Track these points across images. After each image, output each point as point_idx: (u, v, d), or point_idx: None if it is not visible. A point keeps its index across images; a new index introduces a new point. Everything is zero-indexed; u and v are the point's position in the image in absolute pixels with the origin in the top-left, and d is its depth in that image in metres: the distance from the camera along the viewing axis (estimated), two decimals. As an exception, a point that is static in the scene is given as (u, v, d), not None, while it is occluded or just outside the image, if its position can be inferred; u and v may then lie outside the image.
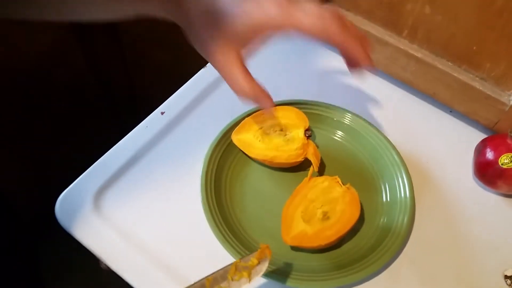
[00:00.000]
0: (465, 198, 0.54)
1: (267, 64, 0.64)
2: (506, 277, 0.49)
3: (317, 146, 0.54)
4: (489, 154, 0.52)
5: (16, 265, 0.83)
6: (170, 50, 0.80)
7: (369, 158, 0.55)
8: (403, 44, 0.57)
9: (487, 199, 0.54)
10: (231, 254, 0.46)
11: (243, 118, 0.55)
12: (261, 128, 0.54)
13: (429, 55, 0.56)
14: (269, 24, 0.39)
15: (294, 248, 0.49)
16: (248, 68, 0.42)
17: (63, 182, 0.54)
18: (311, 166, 0.51)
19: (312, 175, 0.51)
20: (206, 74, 0.62)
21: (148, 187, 0.53)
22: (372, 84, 0.63)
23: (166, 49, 0.81)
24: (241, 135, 0.54)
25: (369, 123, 0.56)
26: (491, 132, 0.57)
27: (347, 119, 0.57)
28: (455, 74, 0.54)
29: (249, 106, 0.57)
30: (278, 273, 0.46)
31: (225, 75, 0.42)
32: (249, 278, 0.42)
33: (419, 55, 0.56)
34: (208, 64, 0.63)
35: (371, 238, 0.50)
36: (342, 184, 0.50)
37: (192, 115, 0.59)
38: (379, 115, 0.58)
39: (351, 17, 0.59)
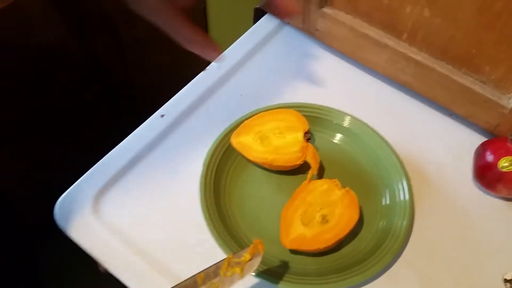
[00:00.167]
0: (465, 201, 0.54)
1: (266, 67, 0.64)
2: (506, 280, 0.49)
3: (317, 149, 0.54)
4: (489, 158, 0.51)
5: (16, 265, 0.83)
6: (170, 51, 0.80)
7: (368, 161, 0.55)
8: (402, 47, 0.56)
9: (487, 202, 0.54)
10: (230, 257, 0.46)
11: (243, 121, 0.55)
12: (260, 131, 0.54)
13: (429, 58, 0.56)
14: None
15: (293, 252, 0.49)
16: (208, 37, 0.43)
17: (63, 182, 0.54)
18: (310, 169, 0.51)
19: (311, 178, 0.51)
20: (205, 77, 0.62)
21: (147, 190, 0.53)
22: (371, 87, 0.63)
23: (166, 50, 0.81)
24: (241, 138, 0.54)
25: (369, 126, 0.56)
26: (491, 135, 0.57)
27: (347, 122, 0.57)
28: (455, 77, 0.54)
29: (248, 109, 0.57)
30: (276, 276, 0.46)
31: (169, 31, 0.42)
32: (242, 273, 0.42)
33: (418, 58, 0.56)
34: (208, 67, 0.63)
35: (370, 242, 0.50)
36: (341, 187, 0.50)
37: (192, 118, 0.59)
38: (378, 118, 0.58)
39: (350, 19, 0.59)
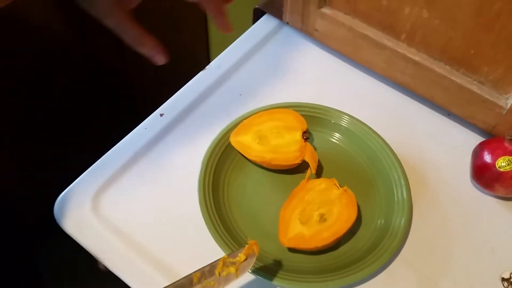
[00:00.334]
0: (463, 200, 0.54)
1: (265, 67, 0.64)
2: (503, 279, 0.49)
3: (315, 149, 0.55)
4: (487, 157, 0.52)
5: (16, 265, 0.83)
6: (170, 51, 0.81)
7: (366, 160, 0.55)
8: (401, 47, 0.57)
9: (485, 202, 0.54)
10: (228, 256, 0.47)
11: (241, 120, 0.55)
12: (259, 130, 0.54)
13: (427, 59, 0.56)
14: None
15: (291, 250, 0.49)
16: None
17: (63, 182, 0.54)
18: (309, 168, 0.52)
19: (310, 177, 0.51)
20: (204, 77, 0.62)
21: (146, 188, 0.53)
22: (370, 87, 0.63)
23: (167, 51, 0.81)
24: (239, 137, 0.54)
25: (367, 126, 0.56)
26: (489, 136, 0.57)
27: (345, 122, 0.57)
28: (453, 78, 0.55)
29: (247, 109, 0.57)
30: (275, 274, 0.46)
31: (119, 32, 0.45)
32: (237, 273, 0.42)
33: (417, 58, 0.56)
34: (208, 66, 0.63)
35: (368, 240, 0.50)
36: (339, 186, 0.50)
37: (191, 117, 0.59)
38: (377, 117, 0.58)
39: (349, 20, 0.59)
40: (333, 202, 0.49)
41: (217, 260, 0.42)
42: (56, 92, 0.78)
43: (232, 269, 0.42)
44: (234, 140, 0.54)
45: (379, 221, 0.51)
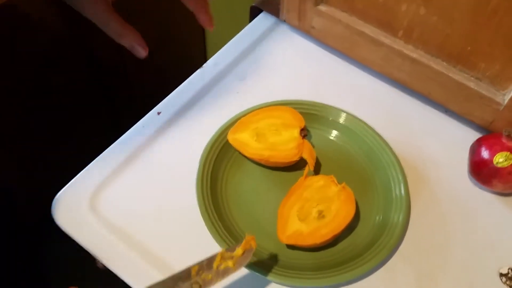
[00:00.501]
0: (460, 196, 0.54)
1: (263, 65, 0.64)
2: (501, 275, 0.49)
3: (313, 146, 0.55)
4: (484, 153, 0.52)
5: (16, 265, 0.84)
6: (169, 50, 0.81)
7: (364, 157, 0.55)
8: (398, 44, 0.57)
9: (482, 197, 0.54)
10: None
11: (239, 118, 0.55)
12: (256, 127, 0.54)
13: (424, 56, 0.56)
14: None
15: (290, 247, 0.49)
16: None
17: (63, 182, 0.54)
18: (307, 166, 0.52)
19: (308, 174, 0.51)
20: (202, 75, 0.63)
21: (144, 187, 0.53)
22: (367, 84, 0.63)
23: (165, 50, 0.82)
24: (237, 135, 0.54)
25: (365, 123, 0.56)
26: (486, 132, 0.57)
27: (343, 119, 0.57)
28: (450, 74, 0.55)
29: (244, 107, 0.57)
30: (274, 271, 0.46)
31: (100, 24, 0.45)
32: (234, 267, 0.43)
33: (414, 55, 0.56)
34: (205, 65, 0.63)
35: (367, 237, 0.50)
36: (337, 183, 0.50)
37: (188, 115, 0.59)
38: (374, 114, 0.58)
39: (346, 17, 0.59)
40: (331, 199, 0.49)
41: (215, 254, 0.42)
42: (56, 92, 0.78)
43: (229, 263, 0.42)
44: (232, 137, 0.54)
45: (377, 218, 0.51)
